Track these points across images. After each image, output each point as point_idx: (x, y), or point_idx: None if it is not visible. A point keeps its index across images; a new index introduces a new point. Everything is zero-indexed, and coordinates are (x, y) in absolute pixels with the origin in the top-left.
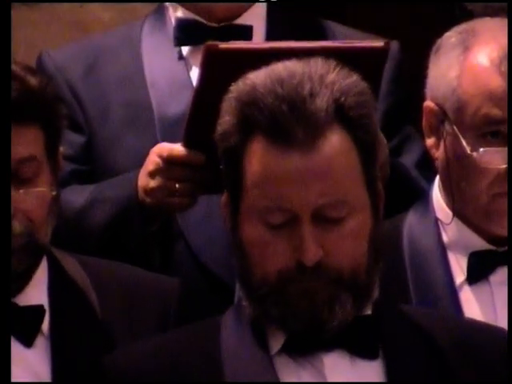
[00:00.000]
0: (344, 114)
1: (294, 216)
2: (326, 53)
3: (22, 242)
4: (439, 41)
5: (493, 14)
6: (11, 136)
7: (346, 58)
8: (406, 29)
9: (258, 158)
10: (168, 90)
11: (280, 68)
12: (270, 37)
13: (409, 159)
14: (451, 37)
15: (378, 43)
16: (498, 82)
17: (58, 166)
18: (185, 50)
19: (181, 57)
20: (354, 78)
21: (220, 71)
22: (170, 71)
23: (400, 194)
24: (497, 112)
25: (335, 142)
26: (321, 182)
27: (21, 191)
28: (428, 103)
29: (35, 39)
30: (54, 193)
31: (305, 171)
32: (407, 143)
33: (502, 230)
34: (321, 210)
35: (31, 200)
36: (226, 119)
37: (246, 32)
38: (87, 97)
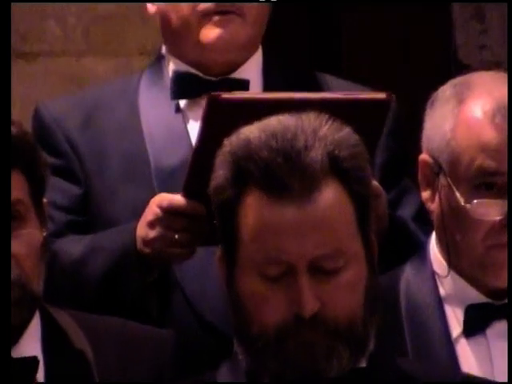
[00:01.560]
0: (338, 167)
1: (291, 267)
2: (328, 104)
3: (15, 295)
4: (435, 94)
5: (489, 68)
6: None
7: (348, 109)
8: (403, 82)
9: (253, 210)
10: (165, 142)
11: (273, 122)
12: (266, 90)
13: (407, 212)
14: (446, 90)
15: (381, 95)
16: (491, 134)
17: (44, 213)
18: (182, 102)
19: (178, 109)
20: (347, 131)
21: (222, 121)
22: (166, 123)
23: (398, 246)
24: (490, 164)
25: (330, 193)
26: (317, 233)
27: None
28: (423, 156)
29: (31, 93)
30: (44, 233)
31: (301, 223)
32: (405, 196)
33: (499, 283)
34: (317, 261)
35: (20, 243)
36: (220, 173)
37: (243, 86)
38: (84, 148)
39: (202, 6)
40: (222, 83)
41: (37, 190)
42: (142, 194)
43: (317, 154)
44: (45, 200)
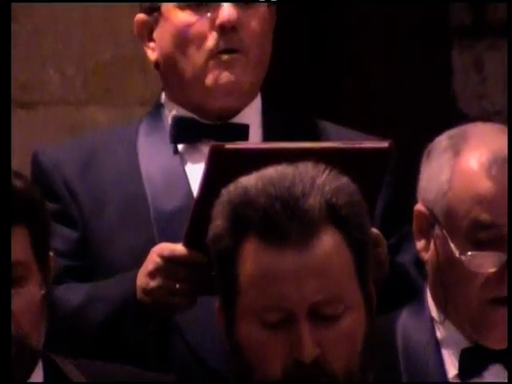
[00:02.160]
0: (336, 214)
1: (291, 314)
2: (330, 153)
3: (13, 351)
4: (431, 145)
5: (488, 117)
6: None
7: (349, 158)
8: (401, 131)
9: (252, 258)
10: (164, 185)
11: (271, 171)
12: (266, 135)
13: (407, 258)
14: (442, 141)
15: (382, 144)
16: (487, 186)
17: (49, 267)
18: (180, 146)
19: (176, 152)
20: (344, 180)
21: (224, 171)
22: (165, 167)
23: (399, 293)
24: (486, 217)
25: (329, 240)
26: (316, 280)
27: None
28: (418, 206)
29: (31, 142)
30: (42, 292)
31: (300, 269)
32: (405, 242)
33: (494, 344)
34: (317, 307)
35: (20, 301)
36: (218, 223)
37: (242, 131)
38: (83, 193)
39: (209, 45)
40: (221, 128)
41: (41, 245)
42: (140, 238)
43: (315, 201)
44: (51, 253)
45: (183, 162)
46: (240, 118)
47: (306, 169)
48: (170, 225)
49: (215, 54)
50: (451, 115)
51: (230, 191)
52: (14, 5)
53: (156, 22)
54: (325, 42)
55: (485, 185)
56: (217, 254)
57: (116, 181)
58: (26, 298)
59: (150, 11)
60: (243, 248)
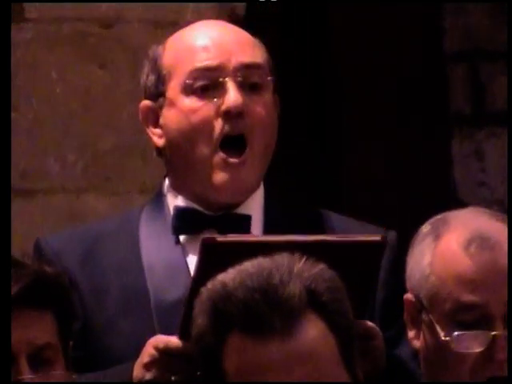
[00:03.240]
0: (316, 300)
1: None
2: (323, 247)
3: None
4: (415, 234)
5: (488, 206)
6: (28, 322)
7: (342, 252)
8: (402, 220)
9: (237, 353)
10: (165, 276)
11: (247, 265)
12: (267, 226)
13: (406, 350)
14: (424, 228)
15: (375, 237)
16: (466, 265)
17: (70, 356)
18: (182, 237)
19: (178, 242)
20: (321, 266)
21: (217, 264)
22: (167, 257)
23: None
24: (468, 298)
25: (312, 326)
26: (303, 367)
27: (39, 374)
28: (407, 295)
29: (32, 231)
30: (74, 376)
31: (286, 358)
32: (405, 333)
33: None
34: None
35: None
36: (199, 322)
37: (244, 221)
38: (84, 282)
39: (216, 133)
40: (224, 218)
41: (66, 332)
42: (141, 327)
43: (294, 289)
44: (71, 342)
45: (184, 253)
46: (242, 209)
47: (283, 259)
48: (170, 316)
49: (222, 145)
50: (452, 204)
51: (208, 288)
52: (14, 94)
53: (161, 108)
54: (324, 132)
55: (464, 263)
56: (201, 351)
57: (117, 271)
58: (58, 381)
59: (155, 97)
60: (227, 343)
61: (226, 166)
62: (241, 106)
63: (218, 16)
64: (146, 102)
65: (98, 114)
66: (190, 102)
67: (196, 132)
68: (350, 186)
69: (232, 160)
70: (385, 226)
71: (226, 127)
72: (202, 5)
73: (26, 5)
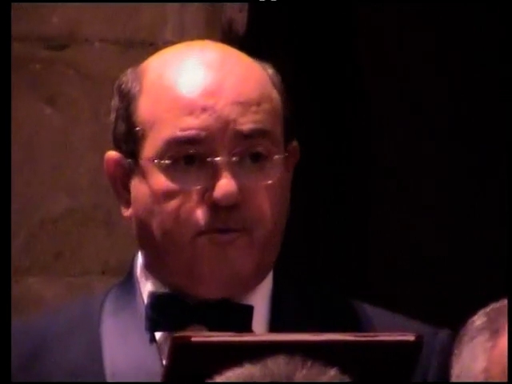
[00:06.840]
0: None
1: None
2: (338, 348)
3: None
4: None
5: None
6: None
7: (364, 354)
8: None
9: None
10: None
11: (230, 377)
12: (275, 320)
13: None
14: (478, 319)
15: (408, 337)
16: None
17: None
18: (158, 334)
19: (153, 340)
20: (332, 373)
21: (189, 373)
22: (136, 359)
23: None
24: None
25: None
26: None
27: None
28: None
29: None
30: None
31: None
32: None
33: None
34: None
35: None
36: None
37: (244, 314)
38: None
39: (198, 223)
40: (215, 310)
41: None
42: None
43: None
44: None
45: (161, 355)
46: (242, 297)
47: (278, 366)
48: None
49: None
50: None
51: None
52: None
53: (132, 171)
54: (348, 209)
55: None
56: None
57: (70, 378)
58: None
59: (126, 153)
60: None
61: (211, 249)
62: (234, 197)
63: (206, 31)
64: (112, 154)
65: (46, 167)
66: (166, 184)
67: (172, 221)
68: (375, 276)
69: (220, 238)
70: (434, 320)
71: (214, 221)
72: (187, 15)
73: None
